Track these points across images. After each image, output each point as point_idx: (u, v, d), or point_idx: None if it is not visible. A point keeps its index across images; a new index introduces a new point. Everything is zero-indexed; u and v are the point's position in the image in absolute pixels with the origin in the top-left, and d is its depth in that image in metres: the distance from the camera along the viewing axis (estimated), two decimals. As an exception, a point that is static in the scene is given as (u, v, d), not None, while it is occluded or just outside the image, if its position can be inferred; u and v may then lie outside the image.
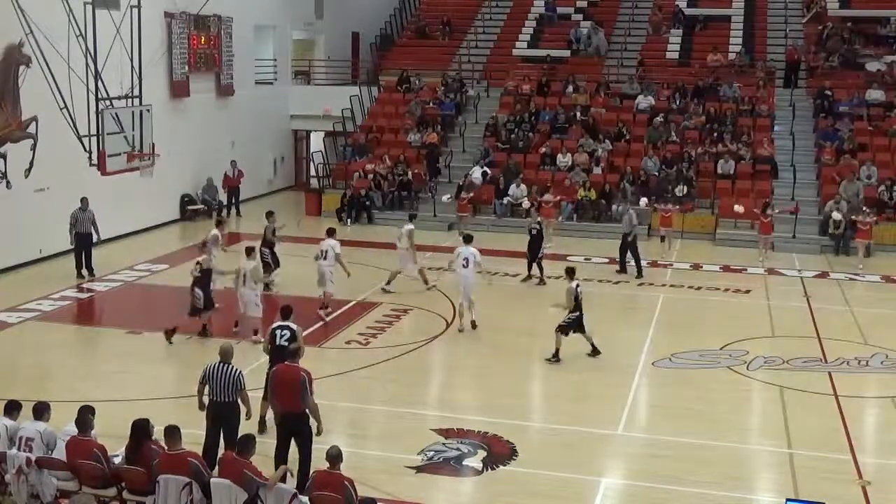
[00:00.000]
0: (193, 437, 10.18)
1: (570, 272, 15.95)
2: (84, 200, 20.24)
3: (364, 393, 14.14)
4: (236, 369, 10.84)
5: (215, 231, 18.76)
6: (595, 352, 15.74)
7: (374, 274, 20.49)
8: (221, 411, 10.69)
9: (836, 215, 24.38)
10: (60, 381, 14.34)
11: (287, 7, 32.73)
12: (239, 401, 10.80)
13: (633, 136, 29.04)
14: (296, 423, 10.58)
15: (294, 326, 12.17)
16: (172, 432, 9.40)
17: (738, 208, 24.50)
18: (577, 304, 15.51)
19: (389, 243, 24.61)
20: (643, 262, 21.65)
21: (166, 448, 9.40)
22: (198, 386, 10.99)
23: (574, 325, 15.54)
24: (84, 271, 20.37)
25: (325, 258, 17.96)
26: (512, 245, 22.90)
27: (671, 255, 23.77)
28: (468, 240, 17.87)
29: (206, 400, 10.92)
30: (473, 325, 17.21)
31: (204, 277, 16.29)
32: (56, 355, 15.90)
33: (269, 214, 20.13)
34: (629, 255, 21.62)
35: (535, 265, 20.83)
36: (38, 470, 9.54)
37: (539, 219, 21.73)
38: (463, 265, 17.23)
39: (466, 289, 17.21)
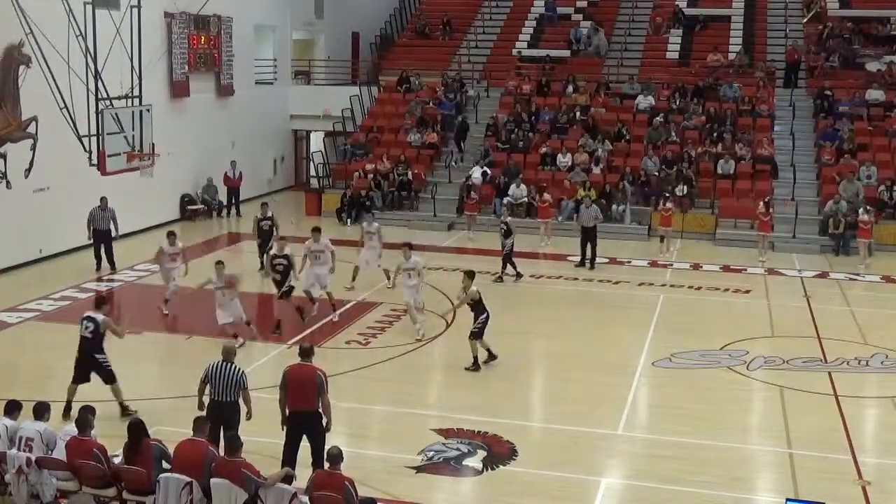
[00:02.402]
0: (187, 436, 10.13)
1: (471, 275, 15.35)
2: (103, 199, 20.65)
3: (364, 393, 14.14)
4: (239, 368, 10.84)
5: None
6: (490, 357, 15.21)
7: (373, 274, 20.47)
8: (222, 411, 10.66)
9: (843, 205, 24.30)
10: (60, 381, 14.28)
11: (287, 7, 32.74)
12: (240, 401, 10.80)
13: (633, 136, 29.04)
14: (309, 422, 10.59)
15: (99, 318, 12.65)
16: (199, 424, 9.59)
17: (762, 208, 23.88)
18: (481, 306, 15.05)
19: (390, 243, 24.69)
20: (599, 259, 22.52)
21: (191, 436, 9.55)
22: (199, 385, 11.00)
23: (485, 327, 15.03)
24: (105, 264, 20.96)
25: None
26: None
27: (671, 255, 23.78)
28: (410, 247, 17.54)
29: (205, 400, 10.92)
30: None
31: None
32: (56, 355, 15.87)
33: (263, 206, 21.46)
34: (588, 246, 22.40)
35: (507, 263, 20.85)
36: (38, 470, 9.54)
37: (507, 218, 21.57)
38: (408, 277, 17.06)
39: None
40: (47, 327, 17.14)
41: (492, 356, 15.26)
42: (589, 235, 22.38)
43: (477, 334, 15.04)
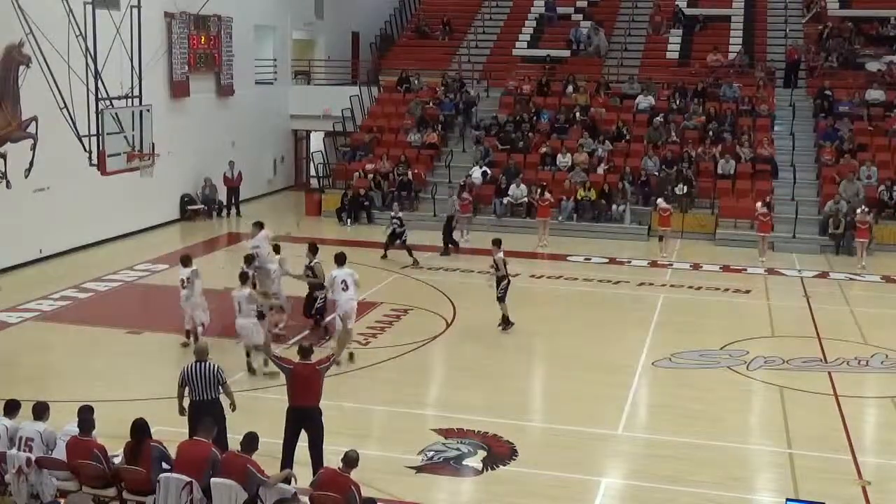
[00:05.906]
0: (184, 437, 10.11)
1: (497, 243, 17.11)
2: None
3: (364, 393, 14.14)
4: (214, 365, 10.82)
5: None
6: (507, 324, 17.05)
7: (374, 274, 20.49)
8: (204, 410, 10.45)
9: (843, 205, 24.28)
10: (60, 381, 14.34)
11: (287, 7, 32.74)
12: (221, 397, 10.79)
13: (633, 136, 29.03)
14: (309, 417, 10.68)
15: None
16: (205, 425, 9.61)
17: (760, 206, 23.60)
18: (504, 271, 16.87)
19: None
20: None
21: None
22: (178, 390, 10.92)
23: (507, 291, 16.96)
24: None
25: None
26: (511, 245, 22.77)
27: (670, 256, 23.75)
28: (341, 261, 15.54)
29: (185, 404, 10.83)
30: (352, 357, 15.17)
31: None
32: (56, 355, 15.90)
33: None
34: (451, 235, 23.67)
35: (407, 252, 22.15)
36: (38, 470, 9.54)
37: (399, 214, 22.75)
38: (342, 288, 15.12)
39: (345, 316, 15.05)
40: (47, 327, 17.14)
41: (508, 322, 17.04)
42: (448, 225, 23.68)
43: (501, 298, 16.99)
